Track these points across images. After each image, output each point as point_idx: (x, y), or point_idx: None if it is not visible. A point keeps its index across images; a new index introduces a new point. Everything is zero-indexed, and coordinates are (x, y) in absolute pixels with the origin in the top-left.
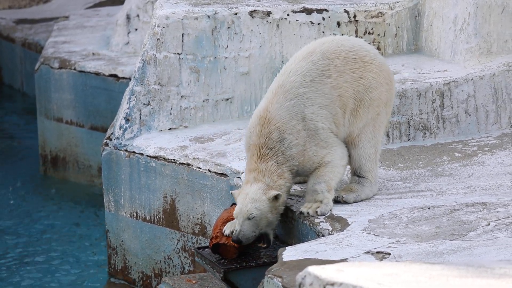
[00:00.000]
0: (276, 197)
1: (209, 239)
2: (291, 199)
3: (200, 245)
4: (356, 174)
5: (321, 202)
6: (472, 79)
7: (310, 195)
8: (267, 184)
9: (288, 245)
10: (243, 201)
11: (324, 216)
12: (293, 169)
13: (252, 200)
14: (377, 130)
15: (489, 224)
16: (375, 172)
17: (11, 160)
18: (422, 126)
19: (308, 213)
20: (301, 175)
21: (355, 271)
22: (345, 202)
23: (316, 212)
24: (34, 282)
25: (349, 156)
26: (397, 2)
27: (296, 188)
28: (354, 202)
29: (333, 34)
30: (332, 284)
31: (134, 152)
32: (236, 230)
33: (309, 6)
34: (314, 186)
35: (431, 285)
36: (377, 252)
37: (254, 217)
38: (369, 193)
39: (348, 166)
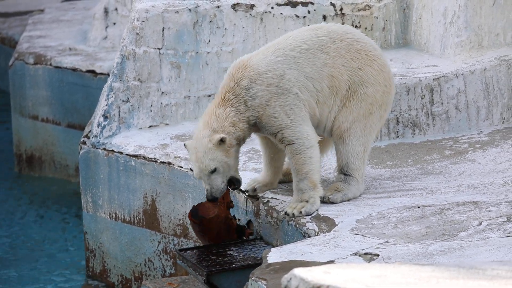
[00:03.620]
0: (221, 140)
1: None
2: (275, 199)
3: (182, 247)
4: (343, 172)
5: (306, 201)
6: (462, 74)
7: (296, 194)
8: (213, 129)
9: (273, 246)
10: (196, 157)
11: (310, 216)
12: (250, 121)
13: (203, 153)
14: (368, 130)
15: (480, 224)
16: (362, 171)
17: None
18: (411, 122)
19: (293, 214)
20: (259, 132)
21: (343, 273)
22: (332, 203)
23: (301, 212)
24: (9, 285)
25: (337, 152)
26: None
27: (281, 187)
28: (341, 202)
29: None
30: (319, 287)
31: (113, 150)
32: (207, 190)
33: None
34: (298, 184)
35: (420, 287)
36: (365, 253)
37: (215, 168)
38: (356, 192)
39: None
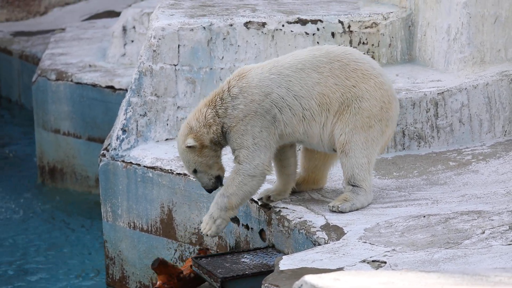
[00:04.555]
0: (189, 147)
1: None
2: (286, 208)
3: (197, 255)
4: (350, 183)
5: (213, 219)
6: (465, 89)
7: (211, 206)
8: (191, 127)
9: (285, 254)
10: (178, 153)
11: (319, 225)
12: (224, 128)
13: (180, 154)
14: (370, 142)
15: (483, 232)
16: (369, 181)
17: (10, 172)
18: (416, 135)
19: (204, 231)
20: (223, 144)
21: (352, 280)
22: (341, 212)
23: (210, 232)
24: None
25: (342, 165)
26: (391, 12)
27: (292, 197)
28: (349, 212)
29: (328, 44)
30: None
31: (131, 162)
32: (201, 185)
33: (303, 17)
34: (217, 199)
35: None
36: (373, 261)
37: (194, 169)
38: (364, 202)
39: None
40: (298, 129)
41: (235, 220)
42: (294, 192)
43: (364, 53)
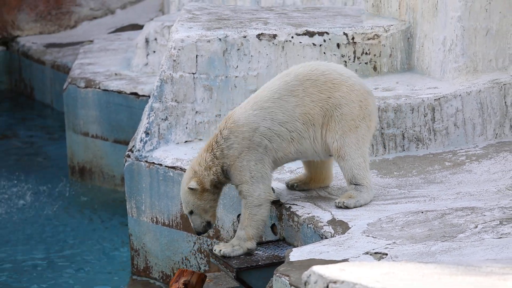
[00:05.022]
0: (191, 189)
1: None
2: (296, 205)
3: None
4: (352, 183)
5: (232, 246)
6: (460, 95)
7: (234, 238)
8: (195, 171)
9: (294, 246)
10: (180, 193)
11: (325, 220)
12: (224, 167)
13: (182, 194)
14: (361, 141)
15: (476, 227)
16: (369, 178)
17: (42, 171)
18: (415, 137)
19: (220, 252)
20: (226, 181)
21: (356, 270)
22: (346, 207)
23: (223, 252)
24: (64, 280)
25: (341, 169)
26: (391, 25)
27: (301, 195)
28: (354, 207)
29: (334, 54)
30: (335, 282)
31: (153, 163)
32: (192, 225)
33: (311, 29)
34: (238, 231)
35: (424, 283)
36: (375, 253)
37: (191, 211)
38: (367, 198)
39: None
40: (290, 151)
41: (277, 202)
42: (303, 190)
43: (330, 62)
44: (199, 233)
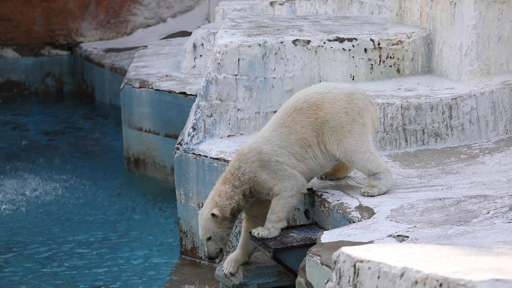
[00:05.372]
0: (213, 215)
1: None
2: (326, 192)
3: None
4: (370, 175)
5: (268, 229)
6: (474, 95)
7: (266, 222)
8: (215, 202)
9: (325, 230)
10: (199, 221)
11: (353, 206)
12: (246, 192)
13: (202, 221)
14: (361, 139)
15: (488, 213)
16: (383, 164)
17: (101, 161)
18: (434, 133)
19: (258, 234)
20: (259, 196)
21: (380, 251)
22: (371, 196)
23: (261, 235)
24: (121, 258)
25: (356, 169)
26: (413, 32)
27: (331, 184)
28: (378, 195)
29: (361, 58)
30: (361, 261)
31: (200, 154)
32: (206, 251)
33: (341, 35)
34: (269, 216)
35: (442, 262)
36: (398, 236)
37: (209, 237)
38: (387, 184)
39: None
40: (301, 167)
41: (309, 189)
42: (332, 180)
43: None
44: (211, 258)
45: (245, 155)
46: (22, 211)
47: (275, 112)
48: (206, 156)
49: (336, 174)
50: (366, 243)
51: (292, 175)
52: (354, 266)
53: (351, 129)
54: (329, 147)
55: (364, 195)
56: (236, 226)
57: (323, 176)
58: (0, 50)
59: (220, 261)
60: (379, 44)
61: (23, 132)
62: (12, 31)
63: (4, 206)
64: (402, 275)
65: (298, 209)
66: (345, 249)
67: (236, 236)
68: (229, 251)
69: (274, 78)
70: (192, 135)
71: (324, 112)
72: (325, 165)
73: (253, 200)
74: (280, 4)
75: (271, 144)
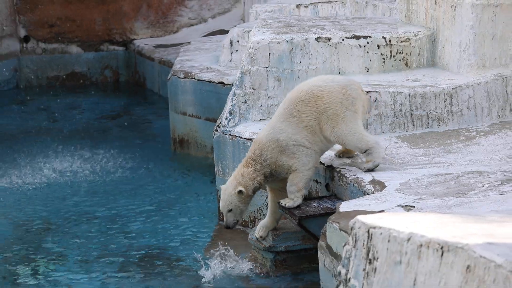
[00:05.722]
0: (240, 192)
1: None
2: (344, 168)
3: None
4: (362, 152)
5: (292, 199)
6: (472, 85)
7: (288, 194)
8: (239, 181)
9: (343, 200)
10: (223, 195)
11: (369, 179)
12: (267, 174)
13: (226, 196)
14: (350, 124)
15: (483, 186)
16: (370, 141)
17: (151, 142)
18: (437, 117)
19: (285, 204)
20: (278, 176)
21: (390, 219)
22: (369, 170)
23: (287, 205)
24: (165, 224)
25: (350, 149)
26: (419, 31)
27: (348, 161)
28: (374, 167)
29: (375, 53)
30: (374, 228)
31: (235, 136)
32: (224, 221)
33: (357, 33)
34: (289, 188)
35: (442, 229)
36: (405, 206)
37: (231, 209)
38: (379, 155)
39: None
40: (314, 149)
41: (330, 166)
42: (347, 158)
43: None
44: (228, 228)
45: (264, 144)
46: (87, 181)
47: None
48: (241, 137)
49: (346, 153)
50: (378, 212)
51: (308, 153)
52: (368, 231)
53: (344, 116)
54: (325, 134)
55: (365, 171)
56: (266, 197)
57: (341, 154)
58: (65, 46)
59: (253, 228)
60: (390, 41)
61: (85, 115)
62: (76, 30)
63: (69, 177)
64: (409, 239)
65: (320, 182)
66: (360, 217)
67: (266, 206)
68: (260, 219)
69: (299, 70)
70: (229, 119)
71: (323, 102)
72: (328, 146)
73: (272, 179)
74: (305, 6)
75: (285, 132)
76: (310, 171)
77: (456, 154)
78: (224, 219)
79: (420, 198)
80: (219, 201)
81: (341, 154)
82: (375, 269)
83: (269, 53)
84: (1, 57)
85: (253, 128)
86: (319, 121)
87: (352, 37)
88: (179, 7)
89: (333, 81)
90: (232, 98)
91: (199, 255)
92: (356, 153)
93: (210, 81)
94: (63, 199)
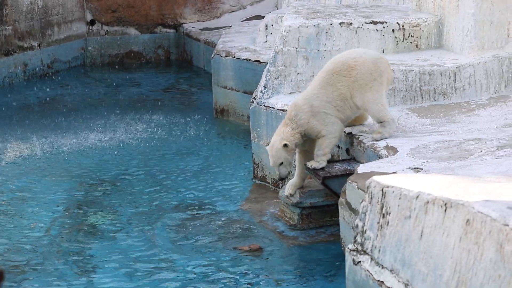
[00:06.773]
0: (285, 145)
1: None
2: (362, 135)
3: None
4: (378, 122)
5: (318, 162)
6: (472, 64)
7: (314, 157)
8: (282, 138)
9: (361, 163)
10: (271, 152)
11: (381, 145)
12: (301, 132)
13: (275, 151)
14: (376, 94)
15: (481, 151)
16: (389, 115)
17: (196, 111)
18: (443, 92)
19: (311, 166)
20: (309, 136)
21: (402, 179)
22: (375, 140)
23: (313, 166)
24: (204, 182)
25: (369, 115)
26: (428, 17)
27: (365, 129)
28: (381, 139)
29: (390, 37)
30: (387, 187)
31: (269, 106)
32: (278, 174)
33: (375, 19)
34: (316, 151)
35: (446, 188)
36: (415, 168)
37: (281, 162)
38: (390, 131)
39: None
40: (340, 117)
41: (350, 133)
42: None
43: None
44: (282, 179)
45: (300, 106)
46: (138, 145)
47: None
48: (274, 108)
49: (354, 122)
50: (391, 173)
51: (335, 122)
52: (382, 190)
53: (372, 86)
54: (355, 100)
55: (371, 140)
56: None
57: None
58: (125, 29)
59: (282, 186)
60: (403, 26)
61: (141, 89)
62: (134, 15)
63: (129, 140)
64: (417, 197)
65: (341, 147)
66: (375, 178)
67: (293, 168)
68: (289, 178)
69: (324, 50)
70: (263, 92)
71: (356, 72)
72: (355, 113)
73: (305, 139)
74: None
75: (320, 100)
76: (336, 138)
77: (458, 124)
78: (277, 172)
79: (427, 161)
80: (254, 162)
81: (352, 123)
82: (388, 222)
83: (298, 36)
84: (70, 38)
85: (284, 100)
86: (351, 89)
87: (371, 22)
88: None
89: (365, 54)
90: (266, 74)
91: (237, 207)
92: (364, 123)
93: (247, 60)
94: (121, 159)
